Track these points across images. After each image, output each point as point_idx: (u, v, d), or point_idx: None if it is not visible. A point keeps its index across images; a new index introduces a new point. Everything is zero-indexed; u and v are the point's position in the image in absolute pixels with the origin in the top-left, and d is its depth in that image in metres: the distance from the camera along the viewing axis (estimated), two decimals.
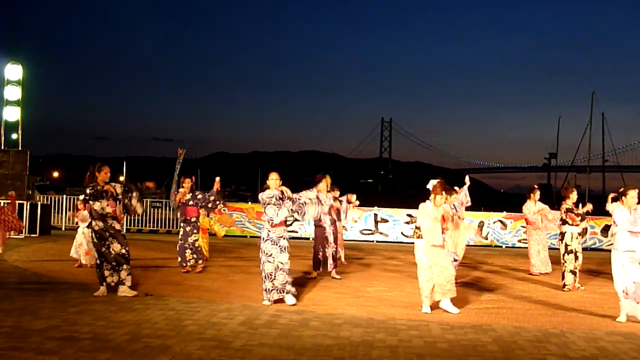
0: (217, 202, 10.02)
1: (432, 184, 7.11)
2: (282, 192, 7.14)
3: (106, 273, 7.30)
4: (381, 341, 5.54)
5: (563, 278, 9.01)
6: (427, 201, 7.10)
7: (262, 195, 7.20)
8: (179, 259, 9.83)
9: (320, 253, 9.60)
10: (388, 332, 5.92)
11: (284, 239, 7.21)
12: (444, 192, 7.03)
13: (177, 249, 9.90)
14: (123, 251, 7.36)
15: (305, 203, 7.16)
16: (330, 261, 9.57)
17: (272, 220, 7.13)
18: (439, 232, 6.91)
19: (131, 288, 7.37)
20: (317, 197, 7.28)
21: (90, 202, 7.40)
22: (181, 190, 10.03)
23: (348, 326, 6.09)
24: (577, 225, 9.01)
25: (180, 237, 9.95)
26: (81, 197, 7.99)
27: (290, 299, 7.08)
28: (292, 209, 7.14)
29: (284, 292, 7.09)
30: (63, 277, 8.87)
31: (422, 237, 6.97)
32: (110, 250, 7.31)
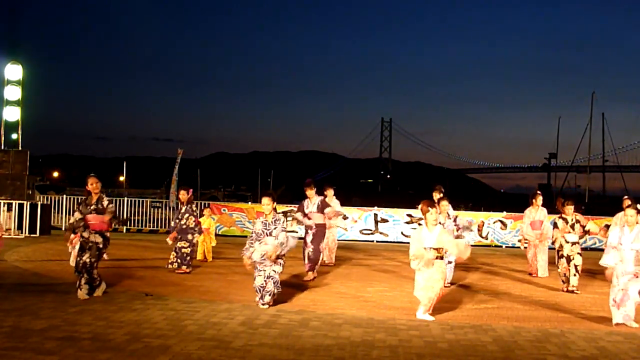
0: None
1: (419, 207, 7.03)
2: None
3: (79, 277, 7.29)
4: (381, 341, 5.54)
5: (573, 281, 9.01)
6: (422, 227, 6.92)
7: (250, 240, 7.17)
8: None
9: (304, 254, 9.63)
10: (388, 332, 5.92)
11: (280, 257, 7.07)
12: (430, 208, 6.81)
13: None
14: (87, 261, 7.28)
15: (282, 243, 7.04)
16: (304, 261, 9.53)
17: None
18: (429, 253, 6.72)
19: (88, 294, 7.25)
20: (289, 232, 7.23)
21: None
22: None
23: (348, 326, 6.09)
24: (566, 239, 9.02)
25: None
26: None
27: (263, 305, 6.93)
28: (278, 244, 7.00)
29: (268, 296, 6.95)
30: (63, 277, 8.86)
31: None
32: (82, 260, 7.31)
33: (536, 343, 5.66)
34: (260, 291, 6.97)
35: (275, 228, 7.07)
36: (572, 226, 8.99)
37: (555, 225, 9.17)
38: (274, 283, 6.98)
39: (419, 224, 7.04)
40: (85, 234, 7.38)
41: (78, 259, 7.39)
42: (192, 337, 5.45)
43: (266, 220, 7.14)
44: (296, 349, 5.15)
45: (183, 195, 10.14)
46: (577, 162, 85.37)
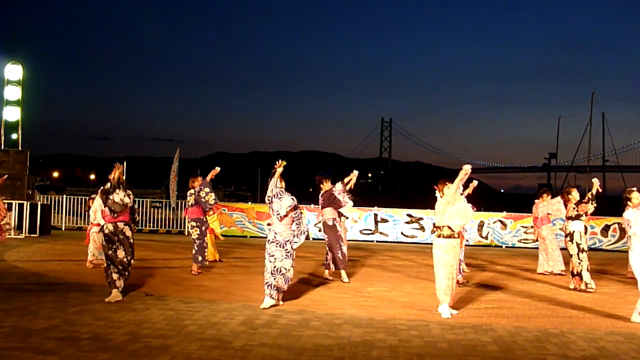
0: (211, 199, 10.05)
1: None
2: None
3: (114, 276, 7.16)
4: (381, 341, 5.54)
5: (581, 279, 8.88)
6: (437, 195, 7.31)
7: (268, 196, 7.21)
8: (200, 258, 9.66)
9: (331, 254, 9.32)
10: (388, 332, 5.92)
11: (290, 242, 7.11)
12: (447, 183, 7.22)
13: (196, 248, 9.69)
14: (125, 260, 7.23)
15: (301, 214, 7.25)
16: (339, 260, 9.25)
17: (278, 213, 7.09)
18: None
19: (122, 291, 7.22)
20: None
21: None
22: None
23: (348, 326, 6.10)
24: (587, 213, 8.98)
25: (197, 236, 9.76)
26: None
27: (268, 302, 6.92)
28: (292, 200, 7.12)
29: (274, 290, 6.96)
30: (63, 277, 8.87)
31: (442, 236, 6.87)
32: (117, 254, 7.21)
33: (536, 343, 5.66)
34: (270, 273, 6.97)
35: (280, 199, 7.11)
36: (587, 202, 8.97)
37: (577, 204, 9.03)
38: (284, 280, 7.02)
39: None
40: (111, 227, 7.24)
41: (110, 252, 7.19)
42: (192, 337, 5.45)
43: (282, 188, 7.22)
44: (296, 349, 5.16)
45: (199, 180, 9.95)
46: (577, 162, 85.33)
